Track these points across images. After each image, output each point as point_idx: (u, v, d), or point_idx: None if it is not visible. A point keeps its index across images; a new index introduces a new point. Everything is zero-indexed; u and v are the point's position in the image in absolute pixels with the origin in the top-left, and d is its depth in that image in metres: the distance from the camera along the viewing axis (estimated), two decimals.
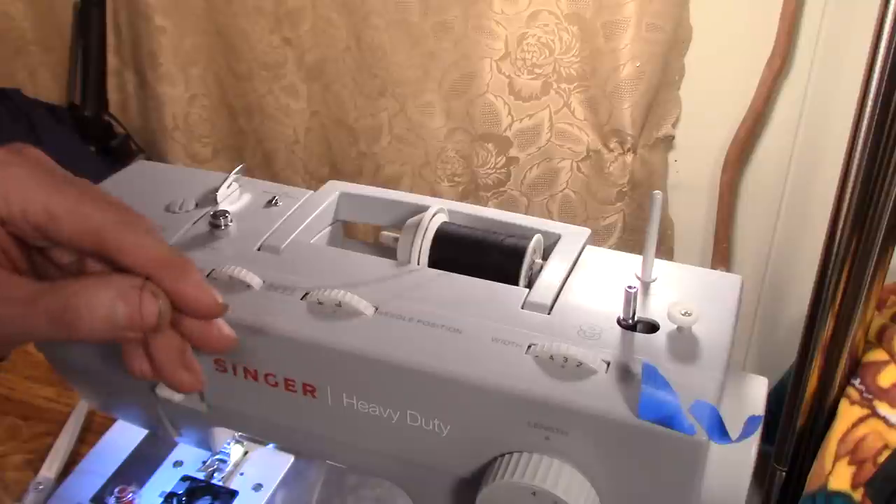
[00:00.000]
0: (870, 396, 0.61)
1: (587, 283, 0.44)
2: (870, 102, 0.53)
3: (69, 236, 0.33)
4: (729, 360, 0.40)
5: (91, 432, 0.73)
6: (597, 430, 0.37)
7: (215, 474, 0.67)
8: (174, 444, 0.67)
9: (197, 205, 0.51)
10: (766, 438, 0.49)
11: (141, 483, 0.65)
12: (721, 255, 0.91)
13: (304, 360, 0.42)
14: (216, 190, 0.51)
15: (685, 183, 0.90)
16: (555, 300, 0.43)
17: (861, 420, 0.60)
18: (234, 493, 0.65)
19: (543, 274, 0.44)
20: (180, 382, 0.36)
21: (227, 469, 0.67)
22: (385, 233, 0.50)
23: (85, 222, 0.32)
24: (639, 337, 0.40)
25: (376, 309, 0.42)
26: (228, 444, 0.68)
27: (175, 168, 0.55)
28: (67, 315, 0.31)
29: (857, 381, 0.62)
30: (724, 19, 0.81)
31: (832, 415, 0.63)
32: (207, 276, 0.45)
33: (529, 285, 0.44)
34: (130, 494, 0.64)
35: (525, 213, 0.91)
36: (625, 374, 0.38)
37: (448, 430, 0.41)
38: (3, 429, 0.71)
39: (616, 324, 0.41)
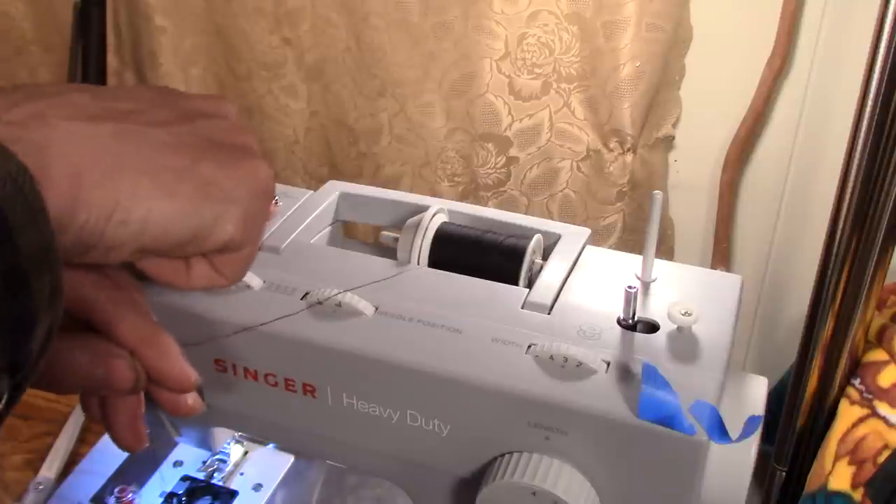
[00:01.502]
0: (870, 396, 0.61)
1: (587, 283, 0.44)
2: (870, 102, 0.53)
3: None
4: (729, 360, 0.40)
5: (91, 432, 0.73)
6: (597, 430, 0.37)
7: (215, 474, 0.67)
8: (174, 444, 0.67)
9: None
10: (766, 438, 0.49)
11: (141, 483, 0.65)
12: (721, 255, 0.91)
13: (304, 360, 0.42)
14: None
15: (685, 183, 0.90)
16: (555, 300, 0.43)
17: (861, 420, 0.60)
18: (234, 493, 0.65)
19: (543, 274, 0.44)
20: (124, 441, 0.38)
21: (227, 469, 0.67)
22: (385, 233, 0.50)
23: (76, 294, 0.34)
24: (639, 337, 0.40)
25: (376, 309, 0.42)
26: (228, 444, 0.68)
27: None
28: (47, 376, 0.33)
29: (857, 381, 0.62)
30: (724, 19, 0.81)
31: (832, 415, 0.63)
32: None
33: (529, 285, 0.44)
34: (130, 494, 0.64)
35: (525, 213, 0.91)
36: (625, 374, 0.38)
37: (448, 430, 0.41)
38: (3, 429, 0.71)
39: (616, 324, 0.41)
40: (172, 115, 0.33)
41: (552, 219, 0.75)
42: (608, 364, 0.39)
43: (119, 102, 0.32)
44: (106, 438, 0.69)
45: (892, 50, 0.51)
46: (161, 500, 0.64)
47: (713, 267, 0.91)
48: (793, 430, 0.65)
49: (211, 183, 0.33)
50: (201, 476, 0.66)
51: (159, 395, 0.37)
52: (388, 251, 0.48)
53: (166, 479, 0.66)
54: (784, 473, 0.67)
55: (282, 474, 0.68)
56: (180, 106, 0.34)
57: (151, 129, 0.32)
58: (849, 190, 0.56)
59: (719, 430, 0.36)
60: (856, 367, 0.63)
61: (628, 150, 0.86)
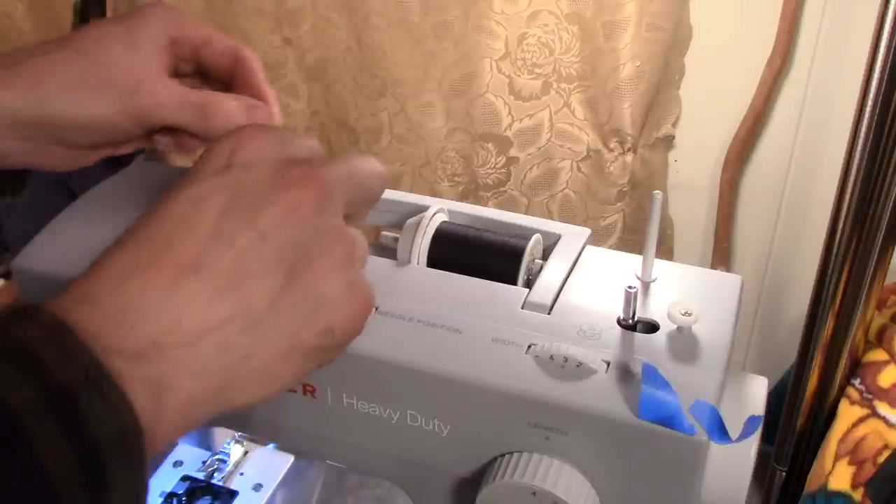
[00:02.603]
0: (870, 396, 0.61)
1: (587, 283, 0.44)
2: (870, 102, 0.53)
3: (218, 57, 0.48)
4: (729, 360, 0.40)
5: None
6: (597, 430, 0.37)
7: (215, 474, 0.67)
8: (174, 444, 0.67)
9: None
10: (766, 438, 0.49)
11: None
12: (721, 255, 0.91)
13: None
14: None
15: (685, 183, 0.90)
16: (555, 300, 0.43)
17: (861, 420, 0.60)
18: (234, 493, 0.65)
19: (543, 274, 0.44)
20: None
21: (227, 469, 0.67)
22: (385, 233, 0.50)
23: (230, 45, 0.48)
24: (639, 337, 0.40)
25: (376, 309, 0.42)
26: (228, 444, 0.68)
27: (175, 168, 0.55)
28: (208, 109, 0.45)
29: (857, 381, 0.62)
30: (724, 19, 0.81)
31: (832, 415, 0.63)
32: None
33: (528, 285, 0.44)
34: None
35: (525, 213, 0.91)
36: (625, 374, 0.38)
37: (448, 430, 0.41)
38: None
39: (616, 324, 0.41)
40: (278, 282, 0.33)
41: (552, 219, 0.75)
42: (608, 364, 0.39)
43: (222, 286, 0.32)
44: None
45: (892, 50, 0.51)
46: (161, 499, 0.64)
47: (713, 267, 0.91)
48: (793, 430, 0.65)
49: (318, 355, 0.35)
50: (201, 476, 0.66)
51: None
52: (388, 251, 0.48)
53: (166, 479, 0.66)
54: (784, 473, 0.67)
55: (282, 474, 0.68)
56: (287, 262, 0.33)
57: (257, 328, 0.32)
58: (849, 190, 0.56)
59: (719, 430, 0.36)
60: (856, 367, 0.63)
61: (628, 150, 0.86)
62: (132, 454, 0.28)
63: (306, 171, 0.34)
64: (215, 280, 0.31)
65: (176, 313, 0.30)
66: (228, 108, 0.45)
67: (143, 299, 0.30)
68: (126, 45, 0.45)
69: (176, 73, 0.48)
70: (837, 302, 0.59)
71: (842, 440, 0.61)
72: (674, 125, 0.86)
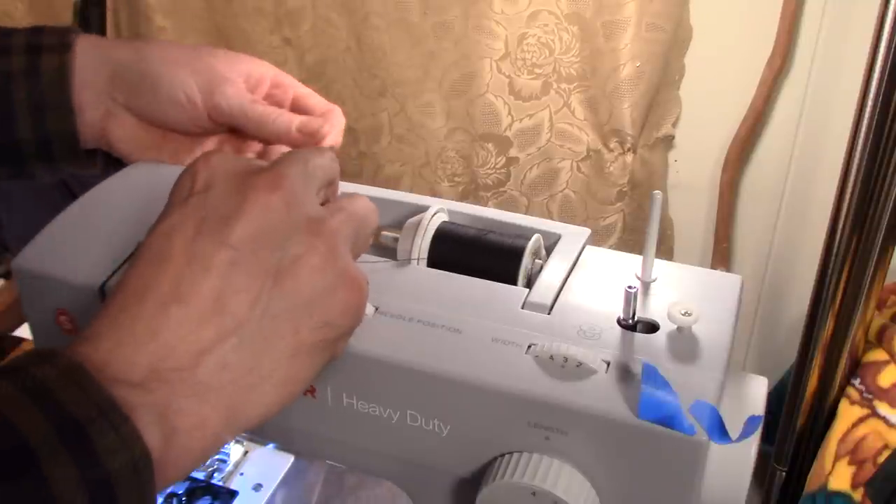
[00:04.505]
0: (870, 396, 0.61)
1: (587, 283, 0.44)
2: (870, 102, 0.53)
3: (319, 109, 0.58)
4: (729, 360, 0.40)
5: None
6: (597, 430, 0.37)
7: (215, 474, 0.67)
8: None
9: None
10: (766, 438, 0.49)
11: None
12: (721, 255, 0.91)
13: None
14: None
15: (685, 183, 0.90)
16: (555, 300, 0.43)
17: (861, 420, 0.60)
18: (234, 493, 0.65)
19: (543, 274, 0.44)
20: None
21: (227, 469, 0.67)
22: (385, 233, 0.50)
23: (326, 102, 0.59)
24: (639, 337, 0.40)
25: (376, 309, 0.42)
26: (228, 444, 0.68)
27: (175, 168, 0.55)
28: (274, 110, 0.55)
29: (857, 381, 0.62)
30: (724, 19, 0.81)
31: (832, 415, 0.63)
32: None
33: (528, 285, 0.44)
34: None
35: (525, 213, 0.91)
36: (625, 374, 0.38)
37: (448, 430, 0.41)
38: None
39: (616, 324, 0.41)
40: (264, 290, 0.33)
41: (552, 219, 0.75)
42: (608, 364, 0.39)
43: (211, 308, 0.32)
44: None
45: (892, 50, 0.51)
46: (161, 499, 0.64)
47: (713, 267, 0.91)
48: (793, 430, 0.65)
49: (324, 348, 0.36)
50: (201, 476, 0.66)
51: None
52: (388, 251, 0.48)
53: None
54: (784, 473, 0.67)
55: (282, 474, 0.68)
56: (268, 262, 0.34)
57: (253, 339, 0.33)
58: (849, 190, 0.56)
59: (719, 430, 0.36)
60: (856, 367, 0.63)
61: (628, 150, 0.86)
62: (142, 482, 0.29)
63: (266, 175, 0.35)
64: (199, 304, 0.32)
65: (168, 341, 0.31)
66: (290, 116, 0.54)
67: (134, 333, 0.31)
68: (228, 61, 0.53)
69: None
70: (837, 302, 0.59)
71: (842, 440, 0.61)
72: (674, 125, 0.86)
